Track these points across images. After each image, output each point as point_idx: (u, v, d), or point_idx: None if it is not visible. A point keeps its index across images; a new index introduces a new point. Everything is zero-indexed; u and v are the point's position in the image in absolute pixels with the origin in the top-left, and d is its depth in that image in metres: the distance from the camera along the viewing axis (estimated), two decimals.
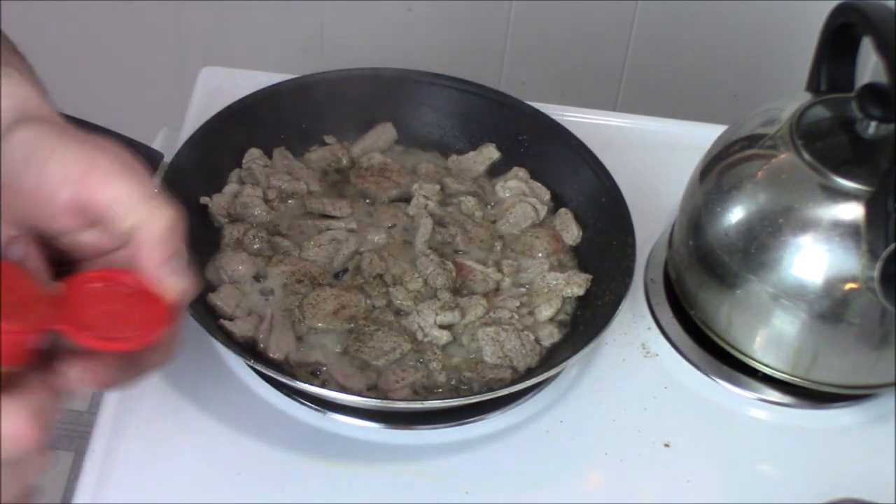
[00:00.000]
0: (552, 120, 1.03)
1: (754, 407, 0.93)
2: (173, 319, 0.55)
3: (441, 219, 0.98)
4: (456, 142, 1.06)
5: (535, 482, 0.85)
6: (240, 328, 0.87)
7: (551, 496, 0.85)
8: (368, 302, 0.91)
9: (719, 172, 0.93)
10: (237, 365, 0.89)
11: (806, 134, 0.89)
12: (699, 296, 0.94)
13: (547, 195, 1.02)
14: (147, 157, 0.93)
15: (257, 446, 0.85)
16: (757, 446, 0.90)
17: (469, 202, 1.00)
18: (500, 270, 0.95)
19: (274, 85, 1.02)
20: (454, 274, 0.93)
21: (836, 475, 0.88)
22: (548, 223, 1.00)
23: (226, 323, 0.87)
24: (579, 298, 0.94)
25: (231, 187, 0.97)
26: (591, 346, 0.87)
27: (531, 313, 0.92)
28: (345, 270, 0.93)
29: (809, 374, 0.90)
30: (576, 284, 0.94)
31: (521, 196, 1.01)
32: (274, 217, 0.96)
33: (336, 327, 0.89)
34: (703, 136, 0.99)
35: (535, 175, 1.03)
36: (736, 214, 0.90)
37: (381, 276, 0.93)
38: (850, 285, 0.85)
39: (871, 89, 0.87)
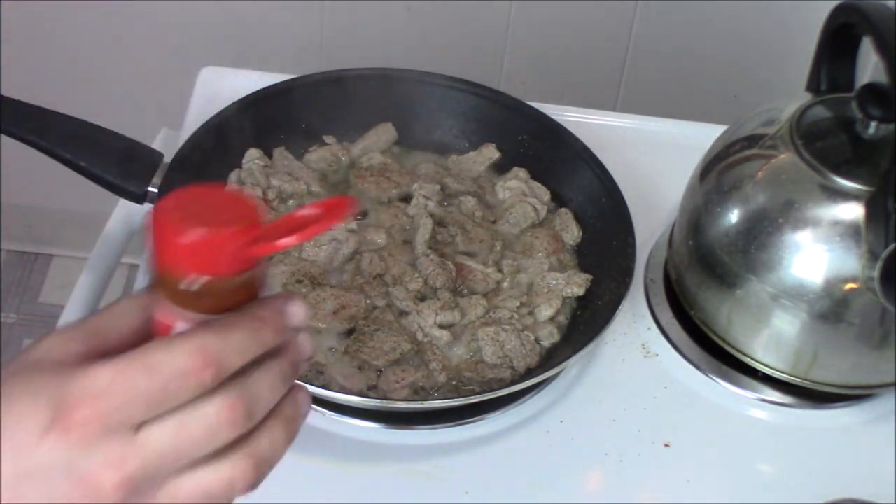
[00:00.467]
0: (552, 120, 1.03)
1: (754, 407, 0.93)
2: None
3: (441, 219, 0.98)
4: (456, 142, 1.06)
5: (535, 482, 0.85)
6: None
7: (551, 496, 0.85)
8: (368, 302, 0.91)
9: (719, 172, 0.93)
10: None
11: (806, 134, 0.89)
12: (699, 296, 0.94)
13: (547, 195, 1.02)
14: (147, 157, 0.93)
15: None
16: (757, 446, 0.90)
17: (469, 202, 1.00)
18: (500, 270, 0.95)
19: (274, 85, 1.02)
20: (454, 274, 0.93)
21: (836, 475, 0.88)
22: (548, 223, 1.00)
23: None
24: (579, 298, 0.94)
25: (231, 187, 0.97)
26: (591, 346, 0.87)
27: (531, 313, 0.92)
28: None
29: (809, 374, 0.90)
30: (576, 284, 0.94)
31: (521, 196, 1.01)
32: (274, 217, 0.96)
33: (336, 327, 0.89)
34: (703, 136, 0.99)
35: (535, 175, 1.03)
36: (736, 214, 0.90)
37: (381, 276, 0.93)
38: (850, 285, 0.85)
39: (871, 89, 0.87)
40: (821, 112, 0.91)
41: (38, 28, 1.72)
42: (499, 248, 0.97)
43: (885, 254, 0.82)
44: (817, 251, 0.86)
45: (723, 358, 0.94)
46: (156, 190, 0.91)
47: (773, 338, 0.90)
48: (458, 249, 0.97)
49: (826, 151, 0.88)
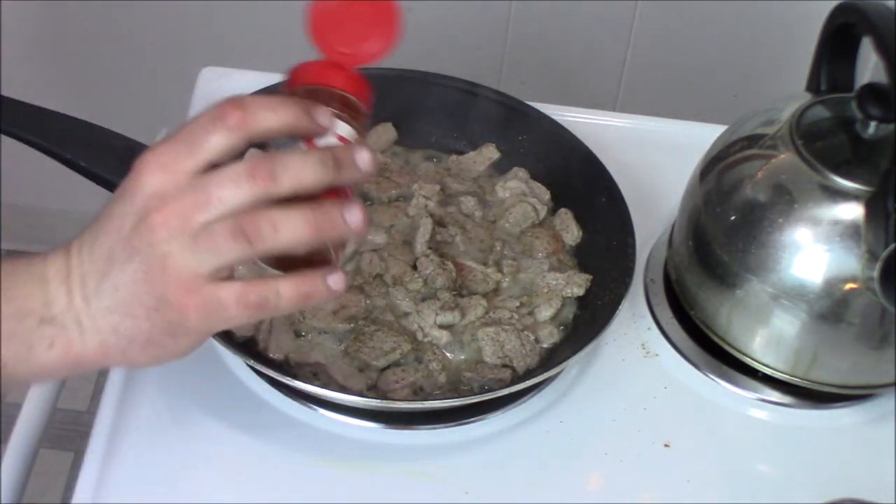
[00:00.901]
0: (552, 120, 1.03)
1: (754, 407, 0.93)
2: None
3: (441, 219, 0.98)
4: (456, 142, 1.06)
5: (535, 482, 0.85)
6: (240, 328, 0.87)
7: (551, 496, 0.85)
8: (368, 302, 0.91)
9: (719, 172, 0.93)
10: (237, 365, 0.89)
11: (806, 134, 0.89)
12: (699, 296, 0.94)
13: (547, 195, 1.02)
14: None
15: (257, 446, 0.85)
16: (757, 446, 0.90)
17: (469, 202, 1.00)
18: (500, 270, 0.95)
19: (274, 85, 1.02)
20: (454, 274, 0.93)
21: (836, 475, 0.88)
22: (548, 223, 1.00)
23: None
24: (579, 298, 0.94)
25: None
26: (591, 346, 0.87)
27: (531, 313, 0.92)
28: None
29: (809, 374, 0.90)
30: (576, 284, 0.94)
31: (521, 196, 1.01)
32: None
33: (336, 327, 0.89)
34: (703, 136, 0.99)
35: (535, 175, 1.03)
36: (736, 214, 0.90)
37: (381, 276, 0.93)
38: (850, 285, 0.85)
39: (871, 89, 0.87)
40: (821, 112, 0.91)
41: (38, 28, 1.72)
42: (499, 248, 0.97)
43: (884, 254, 0.82)
44: (817, 251, 0.86)
45: (723, 358, 0.94)
46: None
47: (773, 338, 0.90)
48: (458, 249, 0.97)
49: (826, 151, 0.88)
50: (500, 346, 0.89)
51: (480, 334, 0.89)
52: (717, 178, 0.93)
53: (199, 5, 1.65)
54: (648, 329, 0.96)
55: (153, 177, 0.62)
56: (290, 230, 0.62)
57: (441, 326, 0.90)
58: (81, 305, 0.64)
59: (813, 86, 0.94)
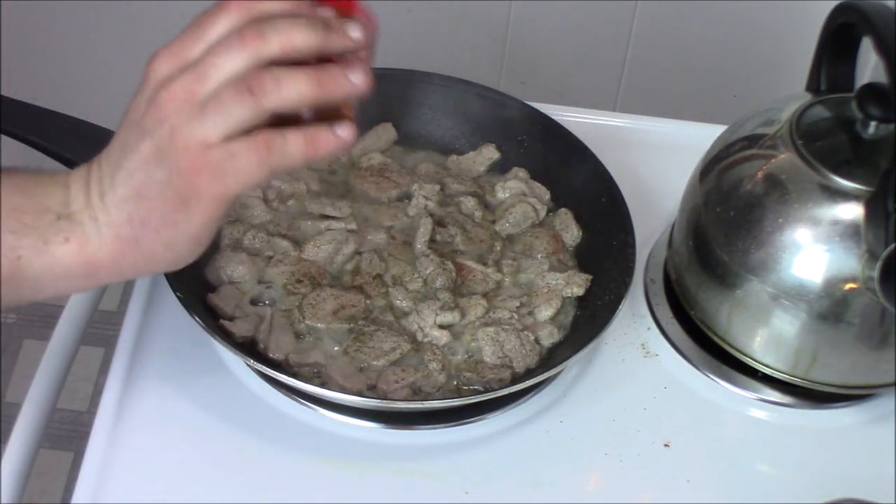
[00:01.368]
0: (552, 120, 1.03)
1: (754, 407, 0.93)
2: None
3: (441, 219, 0.98)
4: (456, 142, 1.06)
5: (535, 482, 0.85)
6: (240, 328, 0.87)
7: (551, 496, 0.85)
8: (368, 302, 0.91)
9: (719, 172, 0.93)
10: (237, 365, 0.89)
11: (806, 134, 0.89)
12: (699, 296, 0.94)
13: (547, 195, 1.02)
14: None
15: (257, 446, 0.85)
16: (757, 446, 0.90)
17: (469, 202, 1.00)
18: (500, 270, 0.95)
19: None
20: (454, 274, 0.93)
21: (836, 475, 0.88)
22: (548, 223, 1.00)
23: (226, 323, 0.87)
24: (579, 298, 0.94)
25: None
26: (591, 346, 0.87)
27: (531, 313, 0.92)
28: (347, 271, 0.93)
29: (809, 374, 0.90)
30: (576, 284, 0.94)
31: (521, 196, 1.01)
32: (274, 217, 0.96)
33: (336, 327, 0.89)
34: (703, 136, 0.99)
35: (535, 175, 1.03)
36: (736, 214, 0.90)
37: (381, 276, 0.93)
38: (850, 285, 0.85)
39: (871, 89, 0.87)
40: (821, 112, 0.91)
41: (38, 28, 1.72)
42: (499, 248, 0.97)
43: (884, 254, 0.82)
44: (817, 251, 0.86)
45: (723, 358, 0.94)
46: None
47: (773, 338, 0.90)
48: (458, 249, 0.97)
49: (826, 151, 0.88)
50: (499, 346, 0.89)
51: (480, 334, 0.89)
52: (717, 178, 0.93)
53: (200, 5, 1.64)
54: (648, 329, 0.96)
55: (162, 66, 0.66)
56: (293, 84, 0.64)
57: (441, 326, 0.90)
58: (98, 202, 0.67)
59: (813, 86, 0.94)
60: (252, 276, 0.91)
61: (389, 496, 0.83)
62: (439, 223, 0.97)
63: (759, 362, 0.92)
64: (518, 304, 0.93)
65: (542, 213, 1.00)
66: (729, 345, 0.93)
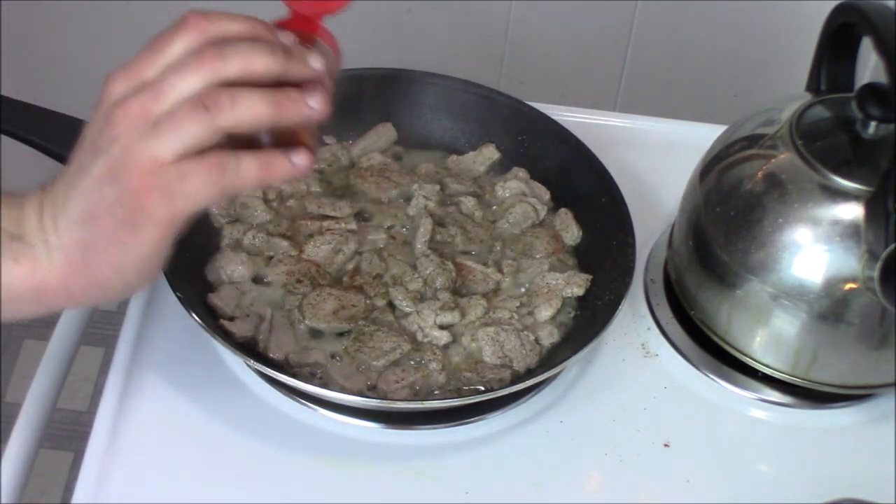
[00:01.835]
0: (552, 120, 1.03)
1: (754, 407, 0.93)
2: None
3: (441, 219, 0.98)
4: (456, 142, 1.06)
5: (535, 482, 0.85)
6: (240, 328, 0.87)
7: (551, 496, 0.85)
8: (368, 302, 0.91)
9: (719, 172, 0.93)
10: (237, 365, 0.89)
11: (806, 134, 0.89)
12: (699, 296, 0.94)
13: (547, 195, 1.02)
14: None
15: (257, 446, 0.85)
16: (757, 446, 0.90)
17: (469, 202, 1.00)
18: (500, 270, 0.95)
19: None
20: (454, 274, 0.93)
21: (836, 475, 0.88)
22: (548, 223, 1.00)
23: (226, 323, 0.87)
24: (579, 298, 0.94)
25: None
26: (591, 346, 0.87)
27: (531, 313, 0.92)
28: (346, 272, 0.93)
29: (809, 374, 0.90)
30: (576, 284, 0.94)
31: (521, 196, 1.01)
32: (274, 217, 0.96)
33: (336, 327, 0.89)
34: (703, 136, 0.99)
35: (535, 175, 1.03)
36: (736, 214, 0.90)
37: (380, 276, 0.93)
38: (850, 285, 0.85)
39: (871, 89, 0.87)
40: (821, 112, 0.91)
41: (38, 28, 1.72)
42: (499, 248, 0.97)
43: (884, 254, 0.82)
44: (817, 251, 0.86)
45: (723, 358, 0.94)
46: None
47: (773, 338, 0.90)
48: (458, 249, 0.97)
49: (826, 151, 0.88)
50: (500, 345, 0.89)
51: (480, 334, 0.89)
52: (717, 178, 0.93)
53: (200, 5, 1.64)
54: (648, 329, 0.96)
55: (118, 85, 0.66)
56: (249, 104, 0.63)
57: (441, 326, 0.90)
58: (50, 224, 0.66)
59: (813, 86, 0.94)
60: (252, 276, 0.91)
61: (389, 496, 0.83)
62: (439, 223, 0.97)
63: (759, 362, 0.92)
64: (518, 304, 0.93)
65: (542, 213, 1.00)
66: (729, 345, 0.93)
